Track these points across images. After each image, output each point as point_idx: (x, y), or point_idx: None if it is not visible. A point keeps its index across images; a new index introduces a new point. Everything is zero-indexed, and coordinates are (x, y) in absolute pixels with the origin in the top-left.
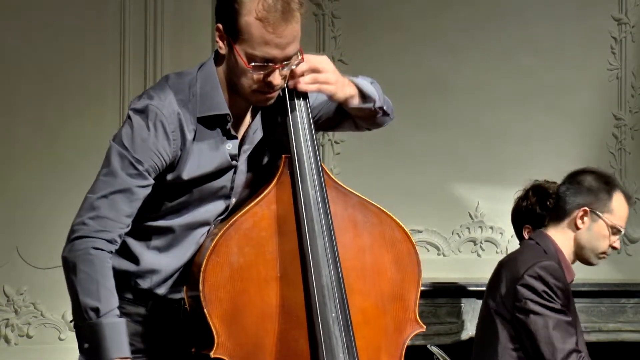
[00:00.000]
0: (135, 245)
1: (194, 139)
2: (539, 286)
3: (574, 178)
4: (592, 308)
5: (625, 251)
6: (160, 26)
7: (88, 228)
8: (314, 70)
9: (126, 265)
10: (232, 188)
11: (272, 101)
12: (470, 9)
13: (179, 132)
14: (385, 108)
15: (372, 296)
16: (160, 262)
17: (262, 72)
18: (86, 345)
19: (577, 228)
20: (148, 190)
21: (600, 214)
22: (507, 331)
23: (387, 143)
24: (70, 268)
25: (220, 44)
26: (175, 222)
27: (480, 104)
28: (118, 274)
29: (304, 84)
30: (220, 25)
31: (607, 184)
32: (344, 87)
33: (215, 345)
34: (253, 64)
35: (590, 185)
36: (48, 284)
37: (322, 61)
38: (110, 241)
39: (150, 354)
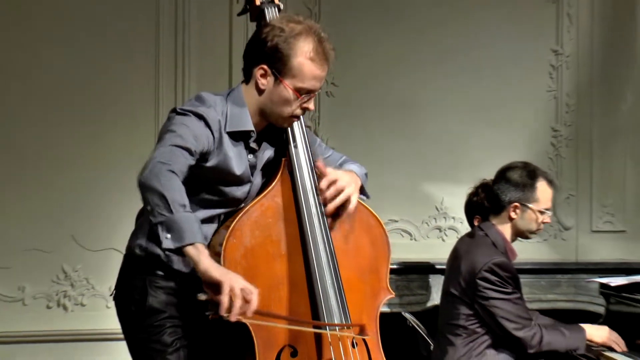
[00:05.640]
0: None
1: (224, 145)
2: (493, 278)
3: (503, 175)
4: (534, 282)
5: (561, 237)
6: (187, 50)
7: None
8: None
9: (159, 251)
10: (245, 198)
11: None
12: (436, 39)
13: (217, 133)
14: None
15: (354, 269)
16: None
17: (304, 100)
18: (168, 236)
19: (512, 219)
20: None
21: (529, 205)
22: (467, 311)
23: (368, 149)
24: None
25: (263, 81)
26: (197, 215)
27: (443, 117)
28: (153, 257)
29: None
30: (265, 66)
31: (530, 177)
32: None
33: None
34: (303, 95)
35: (516, 181)
36: (97, 262)
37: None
38: None
39: (180, 319)
